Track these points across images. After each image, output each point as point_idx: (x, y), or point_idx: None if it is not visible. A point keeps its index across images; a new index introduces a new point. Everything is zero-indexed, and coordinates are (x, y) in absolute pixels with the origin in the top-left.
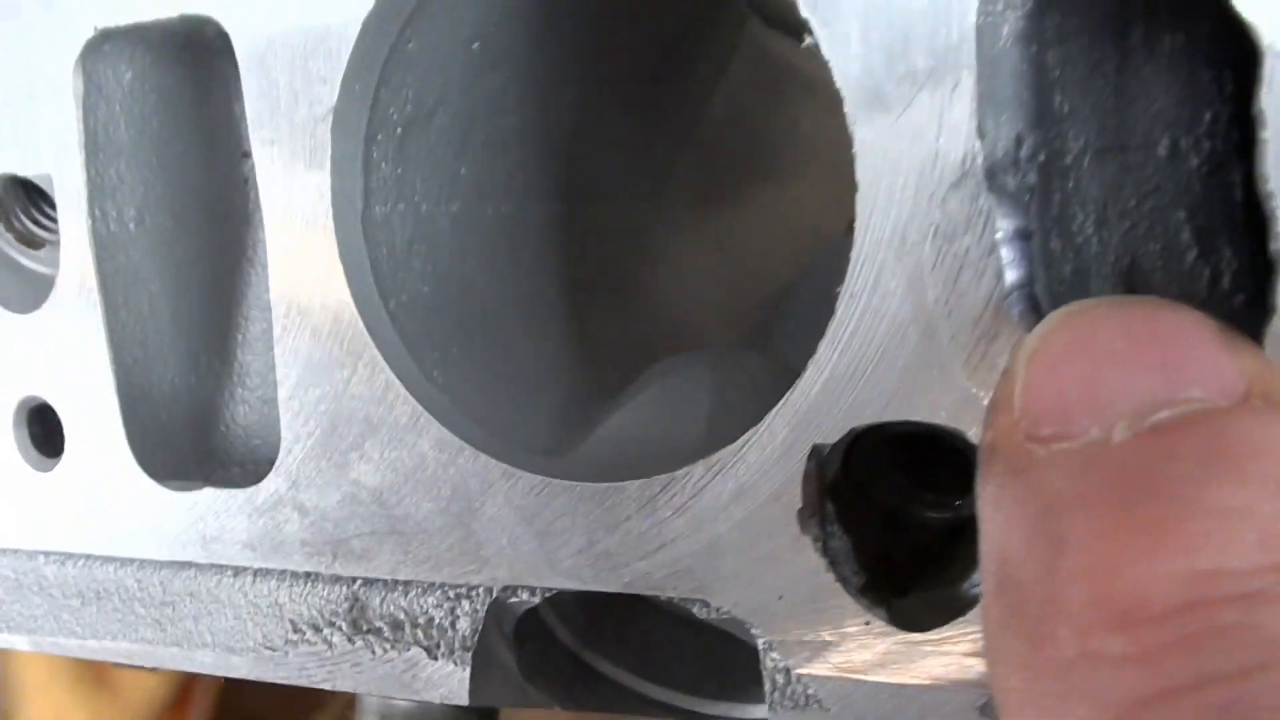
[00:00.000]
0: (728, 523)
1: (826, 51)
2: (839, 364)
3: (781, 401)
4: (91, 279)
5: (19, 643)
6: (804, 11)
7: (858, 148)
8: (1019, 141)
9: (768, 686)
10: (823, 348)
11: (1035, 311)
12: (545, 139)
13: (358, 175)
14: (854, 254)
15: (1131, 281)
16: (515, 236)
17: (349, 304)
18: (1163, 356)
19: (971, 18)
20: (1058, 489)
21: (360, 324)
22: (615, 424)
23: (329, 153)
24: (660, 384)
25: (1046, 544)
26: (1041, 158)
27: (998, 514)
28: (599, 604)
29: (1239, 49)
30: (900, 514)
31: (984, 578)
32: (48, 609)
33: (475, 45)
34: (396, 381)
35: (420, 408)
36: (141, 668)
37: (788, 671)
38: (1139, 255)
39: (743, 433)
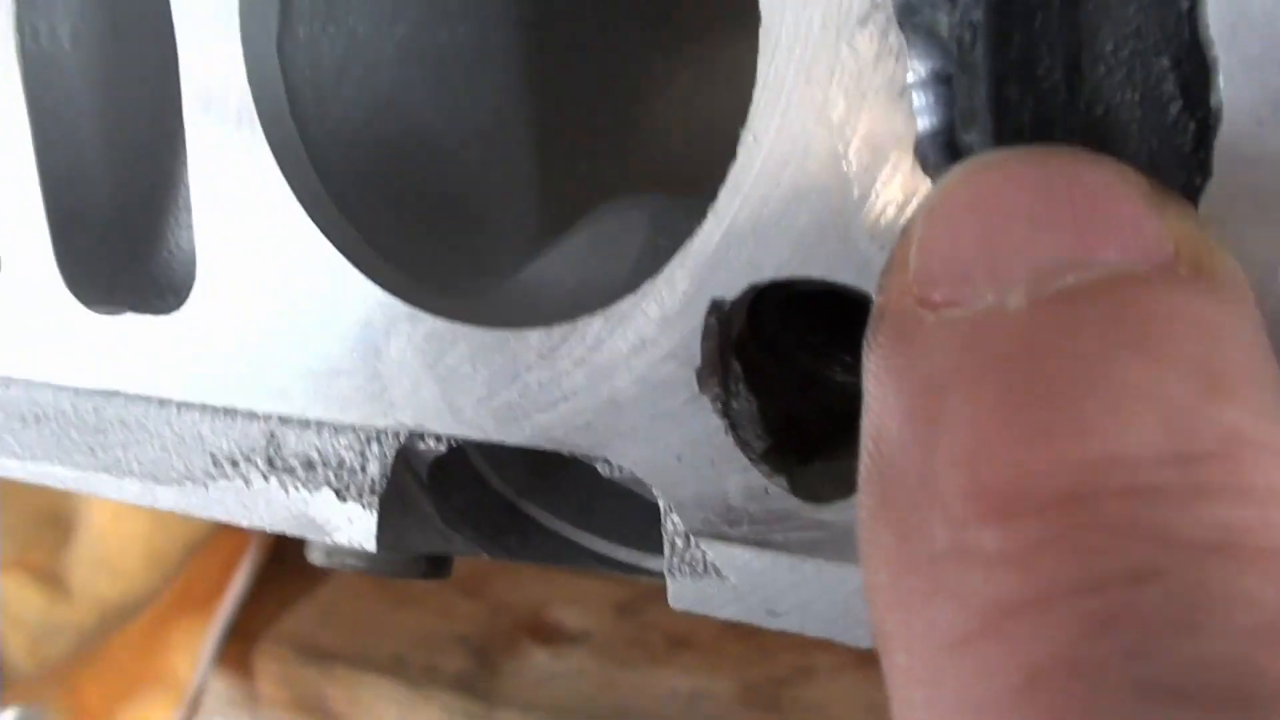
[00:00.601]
0: (627, 377)
1: None
2: (739, 214)
3: (681, 250)
4: (19, 93)
5: None
6: None
7: None
8: None
9: (666, 550)
10: (723, 195)
11: (952, 165)
12: None
13: None
14: (756, 94)
15: (1104, 132)
16: (473, 64)
17: (260, 134)
18: (1076, 214)
19: None
20: (942, 360)
21: (270, 157)
22: (538, 267)
23: None
24: (593, 228)
25: (924, 422)
26: None
27: (878, 386)
28: (537, 454)
29: None
30: (815, 376)
31: (861, 458)
32: None
33: None
34: (301, 212)
35: (325, 240)
36: None
37: (687, 536)
38: (1114, 104)
39: None
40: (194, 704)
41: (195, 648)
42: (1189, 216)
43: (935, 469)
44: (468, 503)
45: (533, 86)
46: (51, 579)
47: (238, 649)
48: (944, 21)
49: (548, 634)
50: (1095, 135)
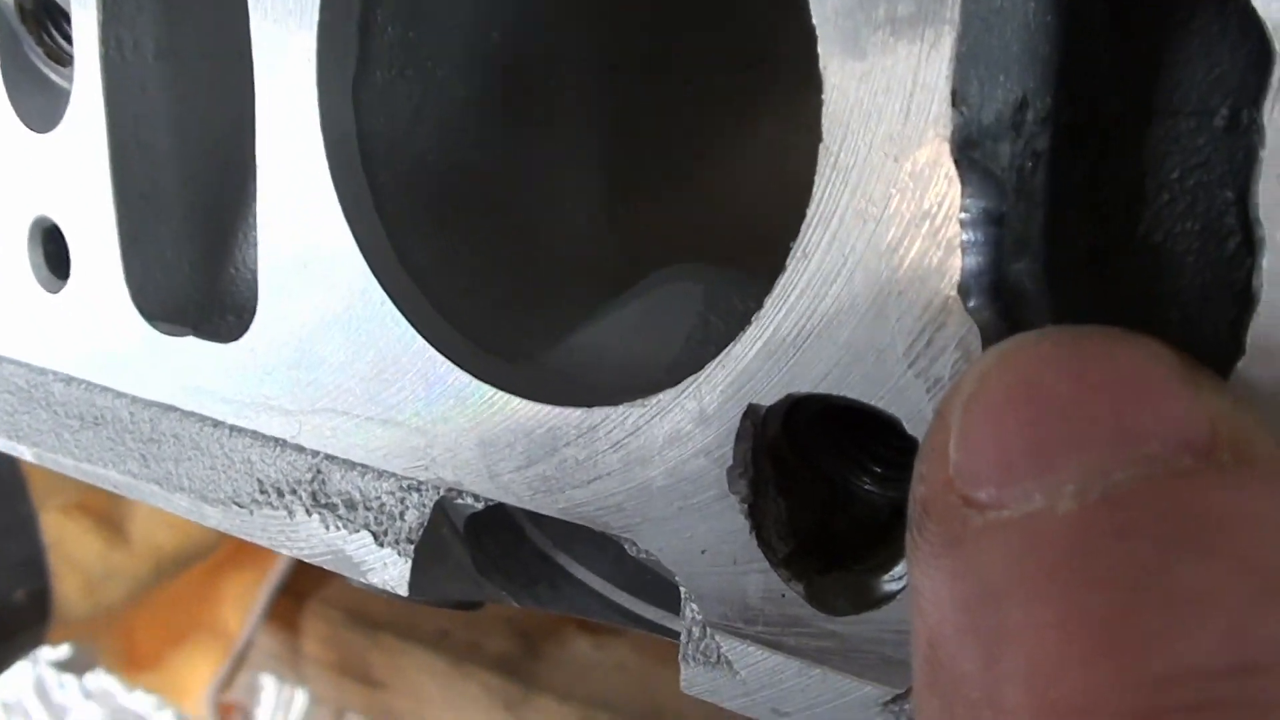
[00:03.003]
0: (660, 467)
1: None
2: (781, 325)
3: (723, 354)
4: (100, 103)
5: (24, 453)
6: None
7: (826, 93)
8: (1022, 104)
9: (683, 636)
10: (768, 304)
11: (995, 304)
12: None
13: (352, 38)
14: (810, 210)
15: (1160, 261)
16: (547, 112)
17: (327, 181)
18: (1116, 403)
19: None
20: (997, 568)
21: (337, 204)
22: (590, 333)
23: (316, 14)
24: (646, 298)
25: (983, 635)
26: (1064, 120)
27: (929, 584)
28: None
29: None
30: (843, 486)
31: (914, 655)
32: (51, 425)
33: None
34: (362, 262)
35: (384, 293)
36: None
37: (704, 625)
38: (1173, 233)
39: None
40: (241, 657)
41: (246, 602)
42: (1223, 392)
43: (1000, 685)
44: (502, 552)
45: (604, 137)
46: (111, 524)
47: (287, 607)
48: (1005, 152)
49: (593, 624)
50: (1151, 264)
